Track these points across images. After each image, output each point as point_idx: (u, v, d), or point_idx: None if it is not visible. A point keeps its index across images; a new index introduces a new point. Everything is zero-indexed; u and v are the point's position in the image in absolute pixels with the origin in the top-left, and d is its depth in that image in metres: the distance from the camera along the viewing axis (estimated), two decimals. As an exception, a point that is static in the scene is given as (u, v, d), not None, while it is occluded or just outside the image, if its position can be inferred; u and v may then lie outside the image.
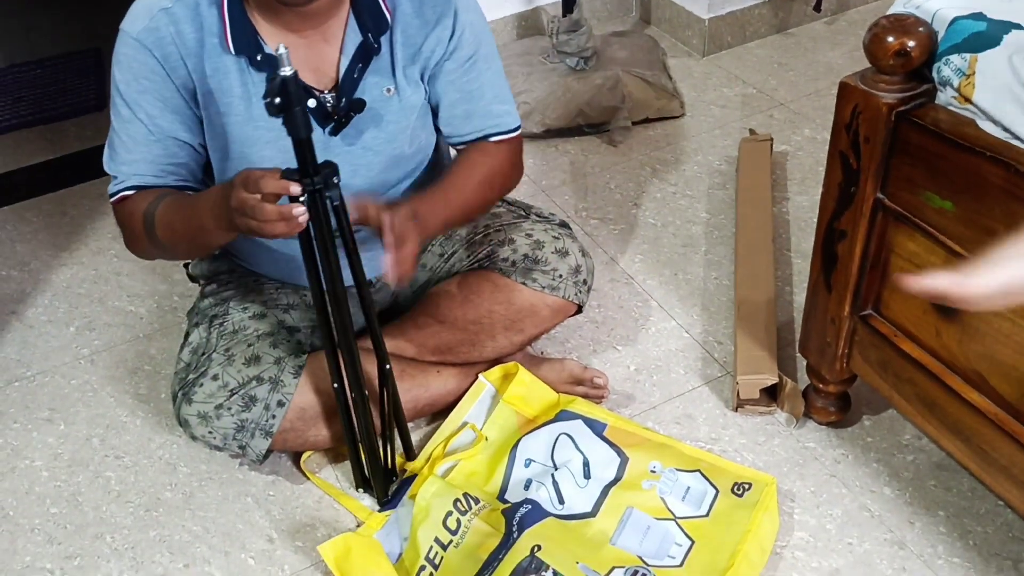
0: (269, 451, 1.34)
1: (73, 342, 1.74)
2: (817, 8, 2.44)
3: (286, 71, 0.95)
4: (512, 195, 1.54)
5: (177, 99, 1.23)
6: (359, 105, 1.24)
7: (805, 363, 1.38)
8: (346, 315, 1.19)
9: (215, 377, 1.33)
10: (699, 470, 1.32)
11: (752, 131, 2.06)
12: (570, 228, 1.50)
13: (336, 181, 1.06)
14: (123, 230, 1.31)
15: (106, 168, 1.28)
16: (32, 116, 2.50)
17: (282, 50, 0.95)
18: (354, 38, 1.23)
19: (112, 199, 1.28)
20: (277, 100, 0.97)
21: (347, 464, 1.43)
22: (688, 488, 1.29)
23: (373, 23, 1.22)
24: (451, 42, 1.27)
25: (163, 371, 1.65)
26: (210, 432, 1.32)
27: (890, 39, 1.04)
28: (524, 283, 1.40)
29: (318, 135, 1.25)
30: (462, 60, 1.29)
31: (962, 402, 1.10)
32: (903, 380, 1.18)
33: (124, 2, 1.22)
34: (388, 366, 1.27)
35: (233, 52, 1.19)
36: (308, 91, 1.22)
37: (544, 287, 1.41)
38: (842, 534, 1.27)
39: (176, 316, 1.76)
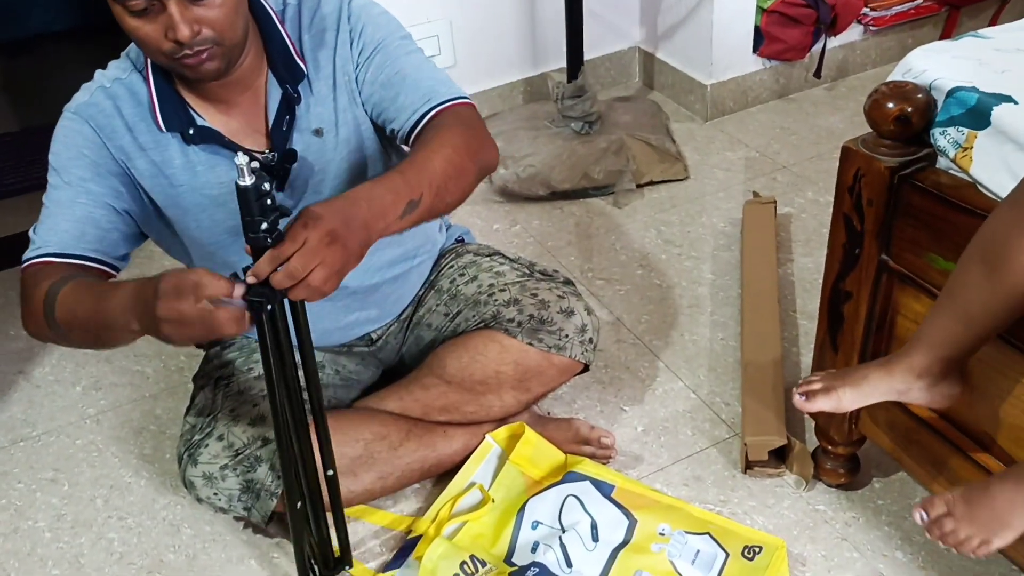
0: (274, 512, 1.33)
1: (79, 402, 1.74)
2: (817, 74, 2.49)
3: (244, 181, 0.91)
4: (515, 254, 1.55)
5: (112, 165, 1.21)
6: (291, 156, 1.25)
7: (814, 424, 1.37)
8: (300, 423, 1.14)
9: (220, 438, 1.32)
10: (709, 533, 1.30)
11: (756, 193, 2.08)
12: (574, 285, 1.51)
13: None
14: (22, 303, 1.18)
15: (29, 234, 1.21)
16: (43, 179, 2.54)
17: (240, 160, 0.91)
18: (275, 92, 1.24)
19: (23, 264, 1.19)
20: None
21: (351, 525, 1.42)
22: (698, 551, 1.28)
23: (288, 74, 1.23)
24: (353, 48, 1.25)
25: (168, 431, 1.65)
26: (215, 493, 1.31)
27: (890, 105, 1.06)
28: (530, 343, 1.41)
29: None
30: (368, 54, 1.25)
31: (971, 463, 1.09)
32: (912, 441, 1.18)
33: None
34: (332, 472, 1.21)
35: (164, 129, 1.21)
36: (249, 155, 1.23)
37: (550, 347, 1.41)
38: (854, 600, 1.25)
39: (182, 376, 1.77)
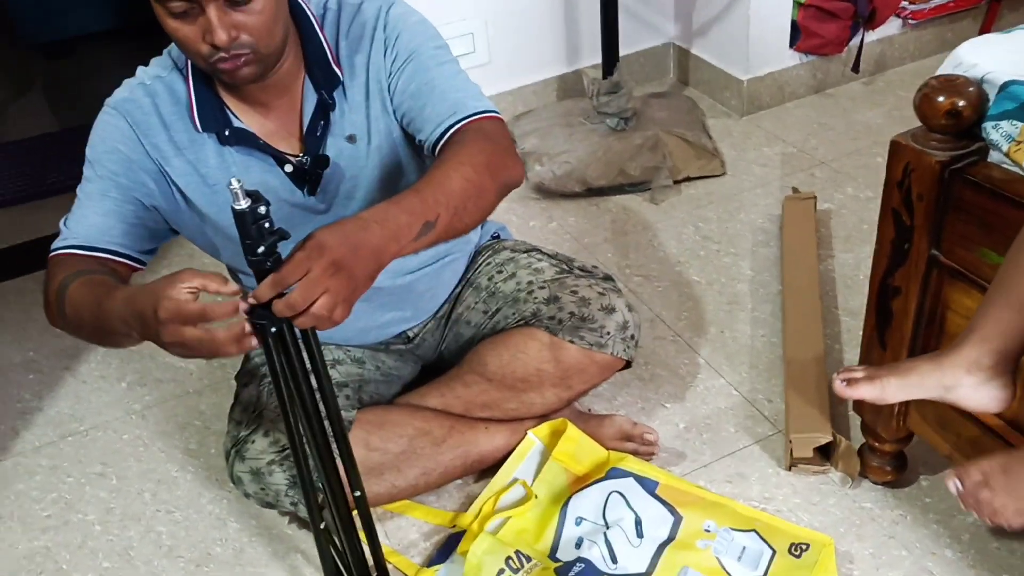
0: (321, 507, 1.34)
1: (125, 397, 1.77)
2: (855, 69, 2.46)
3: (239, 205, 0.90)
4: (553, 250, 1.55)
5: (146, 161, 1.23)
6: (324, 161, 1.25)
7: (860, 421, 1.36)
8: (321, 445, 1.11)
9: (266, 433, 1.34)
10: (755, 530, 1.30)
11: (795, 189, 2.07)
12: (614, 281, 1.50)
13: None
14: (44, 293, 1.19)
15: (60, 225, 1.23)
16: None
17: (235, 185, 0.89)
18: (311, 97, 1.24)
19: (49, 254, 1.21)
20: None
21: (394, 521, 1.43)
22: (744, 548, 1.28)
23: (325, 79, 1.23)
24: (387, 56, 1.25)
25: (212, 426, 1.67)
26: (262, 489, 1.33)
27: (941, 99, 1.05)
28: (572, 341, 1.41)
29: (298, 200, 1.27)
30: (402, 63, 1.24)
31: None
32: (962, 438, 1.17)
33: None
34: (360, 493, 1.17)
35: (200, 129, 1.22)
36: (282, 158, 1.25)
37: (592, 344, 1.41)
38: (903, 597, 1.24)
39: (225, 372, 1.79)
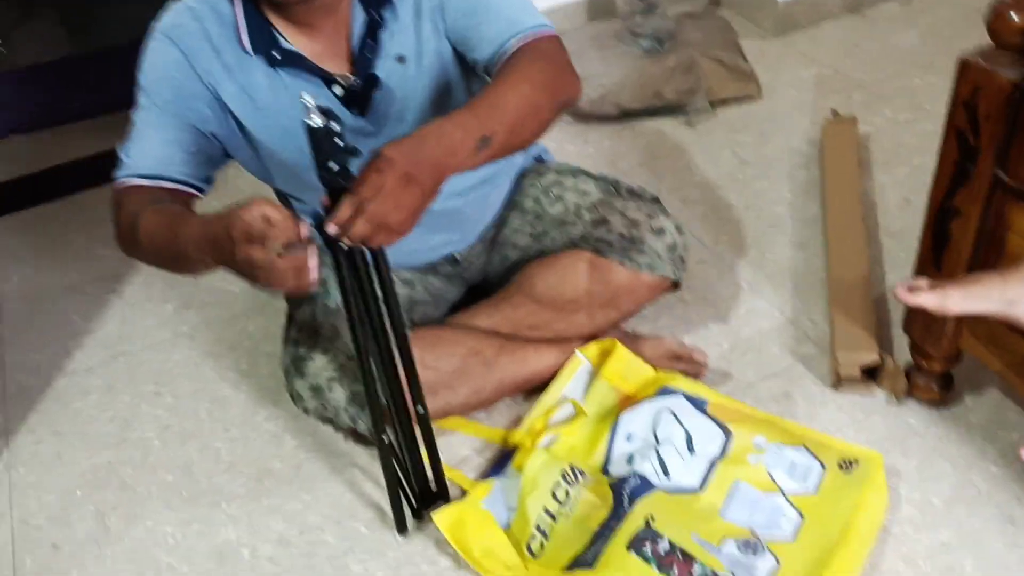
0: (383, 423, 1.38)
1: (172, 319, 1.80)
2: (893, -12, 2.42)
3: (314, 122, 0.92)
4: (599, 171, 1.56)
5: (199, 87, 1.23)
6: (373, 81, 1.25)
7: (908, 341, 1.39)
8: (387, 362, 1.17)
9: (325, 351, 1.37)
10: (804, 445, 1.33)
11: (835, 112, 2.05)
12: (661, 203, 1.51)
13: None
14: (114, 223, 1.22)
15: (118, 152, 1.24)
16: (113, 102, 2.55)
17: (308, 100, 0.92)
18: (359, 16, 1.23)
19: (114, 186, 1.23)
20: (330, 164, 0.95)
21: (446, 437, 1.47)
22: (793, 463, 1.31)
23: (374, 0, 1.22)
24: None
25: (261, 347, 1.70)
26: (322, 405, 1.36)
27: (1014, 16, 1.04)
28: (622, 263, 1.42)
29: (348, 121, 1.26)
30: None
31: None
32: (1016, 355, 1.19)
33: None
34: (423, 410, 1.24)
35: (250, 51, 1.21)
36: (331, 79, 1.24)
37: (642, 266, 1.43)
38: (949, 510, 1.28)
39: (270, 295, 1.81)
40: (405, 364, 1.21)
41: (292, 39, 1.23)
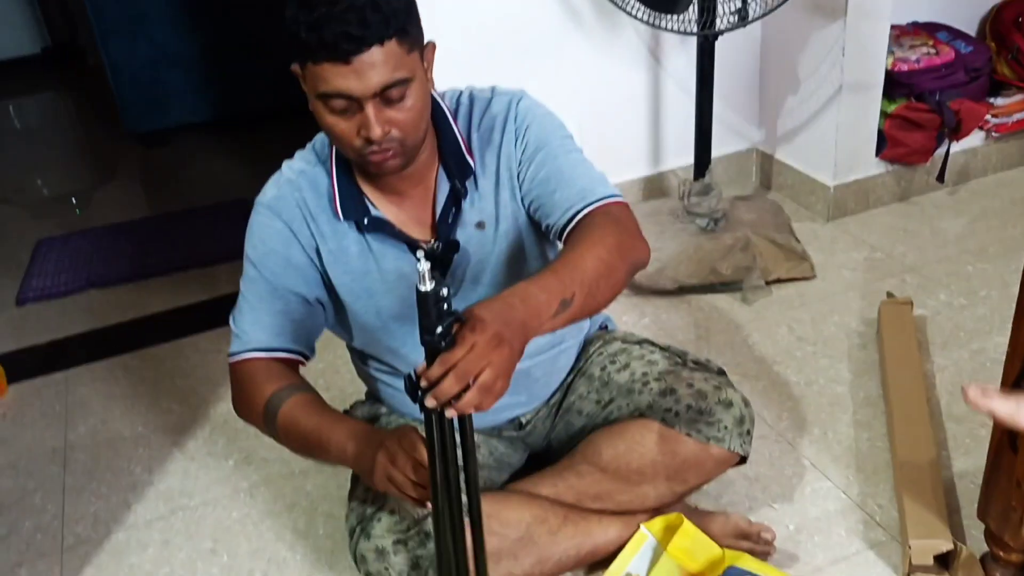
0: None
1: (232, 475, 1.81)
2: (940, 178, 2.51)
3: (424, 287, 0.93)
4: (664, 342, 1.59)
5: (301, 257, 1.32)
6: (454, 247, 1.32)
7: (984, 529, 1.35)
8: (458, 527, 1.13)
9: (391, 512, 1.36)
10: (880, 637, 1.28)
11: (890, 294, 2.09)
12: (727, 376, 1.52)
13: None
14: (236, 392, 1.35)
15: (231, 323, 1.35)
16: (186, 260, 2.69)
17: (422, 267, 0.92)
18: (444, 186, 1.32)
19: (231, 359, 1.34)
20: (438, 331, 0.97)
21: (508, 611, 1.43)
22: (871, 655, 1.26)
23: (458, 169, 1.31)
24: (517, 146, 1.31)
25: (319, 507, 1.70)
26: (386, 568, 1.34)
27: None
28: (689, 434, 1.43)
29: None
30: (531, 152, 1.31)
31: None
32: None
33: (268, 158, 1.37)
34: None
35: (342, 218, 1.30)
36: (415, 244, 1.32)
37: (709, 438, 1.43)
38: None
39: (330, 454, 1.82)
40: (475, 534, 1.21)
41: (381, 206, 1.32)
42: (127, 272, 2.65)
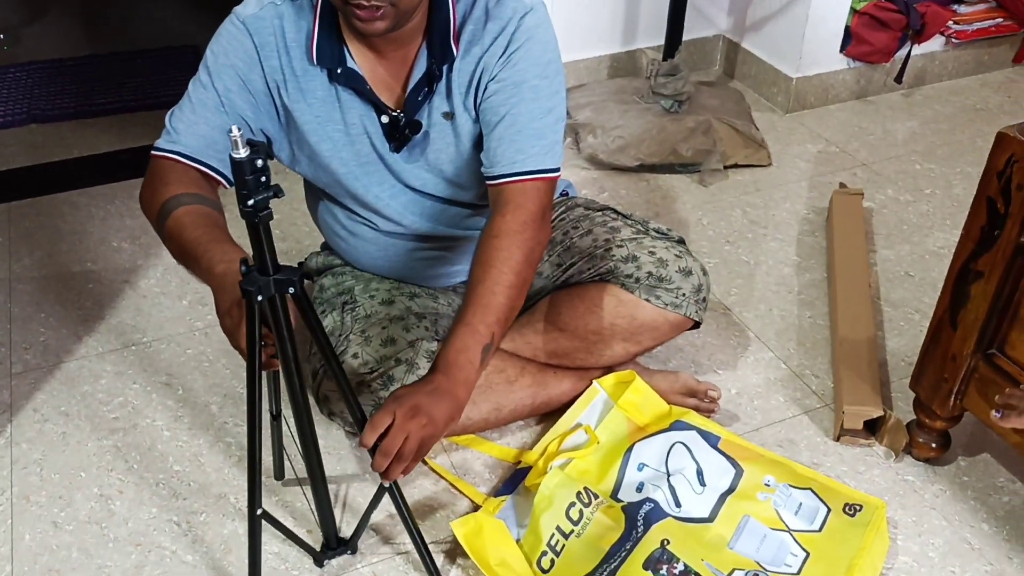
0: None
1: (187, 314, 1.81)
2: (899, 79, 2.55)
3: (237, 154, 0.88)
4: (627, 210, 1.61)
5: (259, 84, 1.27)
6: (416, 126, 1.31)
7: (914, 398, 1.45)
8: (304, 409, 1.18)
9: (355, 356, 1.39)
10: (811, 488, 1.38)
11: (843, 184, 2.15)
12: (686, 244, 1.56)
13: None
14: (146, 183, 1.26)
15: (166, 120, 1.27)
16: (135, 102, 2.59)
17: (235, 134, 0.87)
18: (422, 62, 1.28)
19: (154, 151, 1.26)
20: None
21: (459, 453, 1.49)
22: (801, 504, 1.35)
23: (440, 51, 1.27)
24: (499, 62, 1.27)
25: (276, 350, 1.71)
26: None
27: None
28: (648, 299, 1.47)
29: (383, 152, 1.33)
30: (504, 82, 1.27)
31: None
32: None
33: (220, 7, 1.27)
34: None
35: (315, 62, 1.26)
36: (381, 107, 1.29)
37: (667, 304, 1.48)
38: (944, 562, 1.33)
39: (286, 300, 1.83)
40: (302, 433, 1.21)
41: (358, 58, 1.28)
42: (71, 109, 2.54)
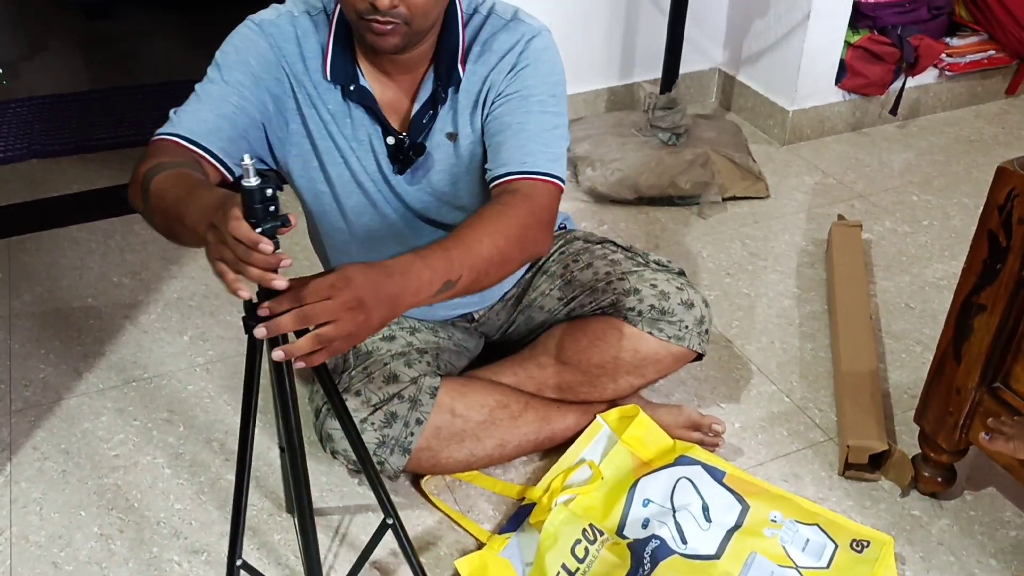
0: (402, 470, 1.39)
1: (187, 350, 1.80)
2: (894, 112, 2.58)
3: (249, 183, 0.85)
4: (626, 242, 1.62)
5: (274, 84, 1.25)
6: (419, 149, 1.31)
7: (919, 431, 1.44)
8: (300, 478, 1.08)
9: (357, 393, 1.38)
10: (818, 524, 1.37)
11: (841, 216, 2.16)
12: (687, 276, 1.56)
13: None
14: (133, 171, 1.16)
15: (170, 114, 1.21)
16: (135, 137, 2.60)
17: (247, 161, 0.85)
18: (428, 86, 1.29)
19: (154, 137, 1.19)
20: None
21: (463, 489, 1.48)
22: (808, 540, 1.35)
23: (446, 75, 1.28)
24: (505, 79, 1.27)
25: (277, 386, 1.70)
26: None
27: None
28: (651, 332, 1.47)
29: (387, 172, 1.34)
30: (512, 96, 1.27)
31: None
32: (1028, 452, 1.25)
33: (217, 41, 1.26)
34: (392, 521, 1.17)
35: (328, 78, 1.27)
36: (388, 128, 1.30)
37: (670, 337, 1.48)
38: (954, 598, 1.32)
39: (287, 335, 1.82)
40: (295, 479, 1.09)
41: (369, 77, 1.29)
42: (71, 144, 2.55)
